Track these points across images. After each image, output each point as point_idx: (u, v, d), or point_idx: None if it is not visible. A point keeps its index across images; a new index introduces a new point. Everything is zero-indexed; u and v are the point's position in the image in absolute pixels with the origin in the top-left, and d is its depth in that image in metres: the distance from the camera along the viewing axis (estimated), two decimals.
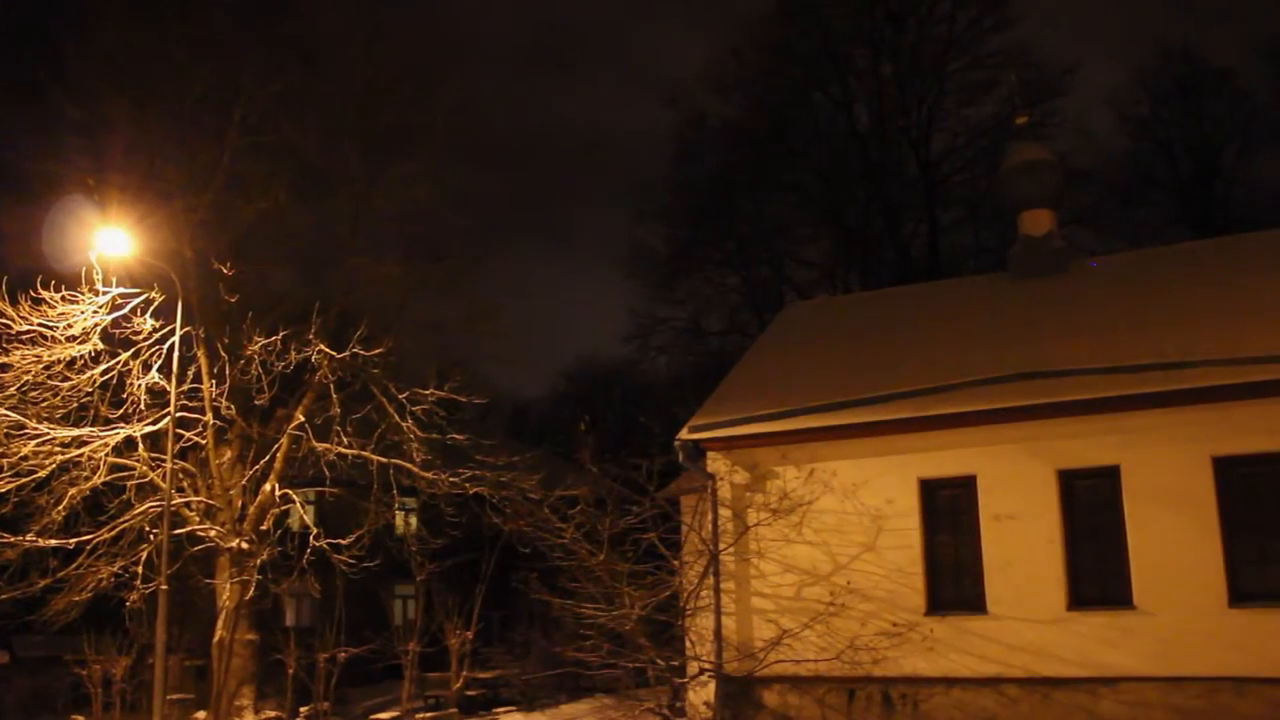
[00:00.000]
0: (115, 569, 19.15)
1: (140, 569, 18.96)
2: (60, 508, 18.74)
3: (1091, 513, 15.43)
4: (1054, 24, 75.16)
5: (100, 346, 18.99)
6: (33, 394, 18.55)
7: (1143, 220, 41.30)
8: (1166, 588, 14.53)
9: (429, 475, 20.52)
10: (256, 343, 19.57)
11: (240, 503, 20.77)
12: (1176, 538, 14.58)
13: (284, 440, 20.66)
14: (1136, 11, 67.57)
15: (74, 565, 19.00)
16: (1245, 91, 41.35)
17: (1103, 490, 15.33)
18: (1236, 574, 14.30)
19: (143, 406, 19.14)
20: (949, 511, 16.43)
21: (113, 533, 19.23)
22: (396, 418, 20.33)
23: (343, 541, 19.98)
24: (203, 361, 20.22)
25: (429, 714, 22.55)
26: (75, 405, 18.91)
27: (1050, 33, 63.31)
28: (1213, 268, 18.35)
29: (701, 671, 16.82)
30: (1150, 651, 14.44)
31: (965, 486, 16.20)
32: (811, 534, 16.81)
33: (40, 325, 18.38)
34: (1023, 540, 15.53)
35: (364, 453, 20.26)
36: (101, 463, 18.93)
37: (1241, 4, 63.23)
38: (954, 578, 16.21)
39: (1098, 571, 15.21)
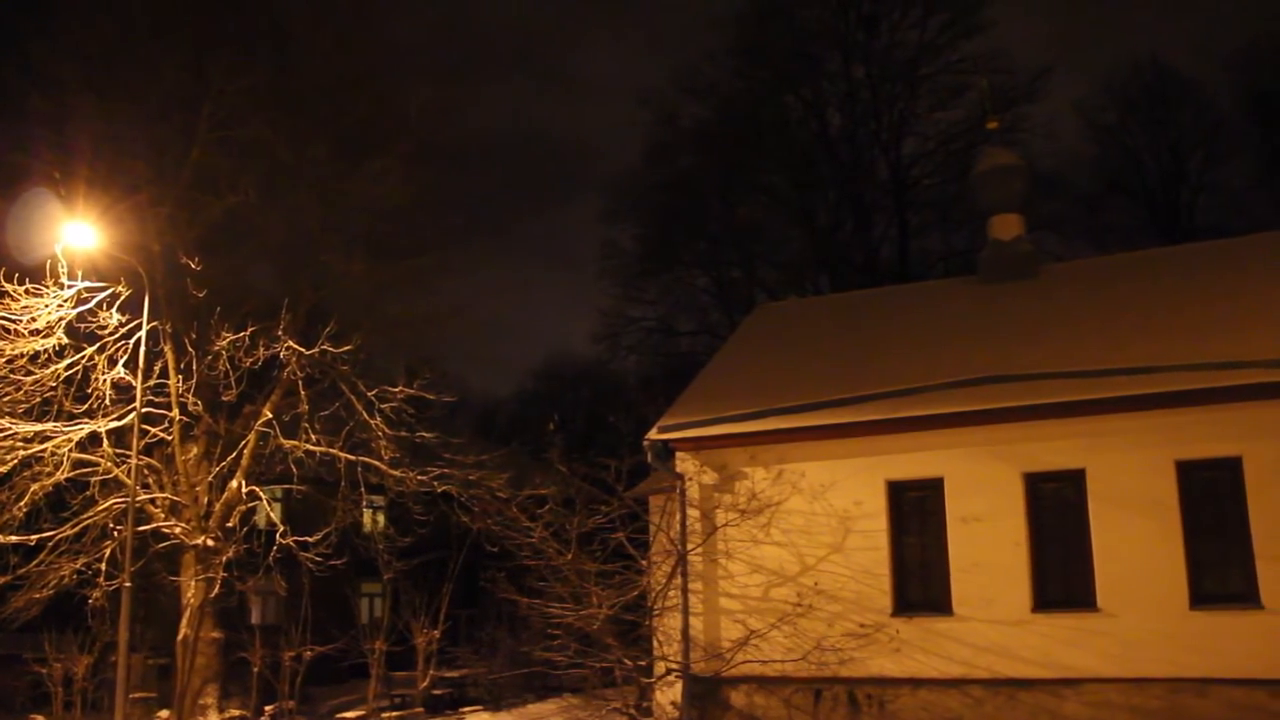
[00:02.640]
0: (78, 566, 18.97)
1: (103, 566, 18.79)
2: (22, 504, 18.54)
3: (1057, 515, 15.57)
4: (1025, 30, 75.87)
5: (65, 341, 18.77)
6: None
7: (1110, 226, 41.81)
8: (1130, 590, 14.68)
9: (397, 473, 20.43)
10: (224, 338, 19.43)
11: (206, 500, 20.60)
12: (1140, 541, 14.73)
13: (251, 437, 20.51)
14: (1105, 20, 68.25)
15: (35, 562, 18.81)
16: (1211, 101, 41.99)
17: (1068, 493, 15.48)
18: (1198, 577, 14.48)
19: (108, 402, 18.94)
20: (916, 513, 16.52)
21: (75, 529, 19.04)
22: (365, 415, 20.22)
23: (310, 539, 19.86)
24: (169, 357, 20.04)
25: (395, 713, 22.45)
26: (39, 400, 18.69)
27: (1021, 39, 63.93)
28: (1178, 274, 18.55)
29: (669, 671, 16.84)
30: (1113, 653, 14.58)
31: (933, 488, 16.29)
32: (779, 535, 16.86)
33: (3, 319, 18.17)
34: (989, 542, 15.64)
35: (332, 450, 20.15)
36: (65, 458, 18.74)
37: (1207, 16, 64.05)
38: (921, 579, 16.30)
39: (1062, 574, 15.35)
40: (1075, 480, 15.38)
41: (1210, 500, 14.66)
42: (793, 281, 44.55)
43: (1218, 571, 14.49)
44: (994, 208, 21.06)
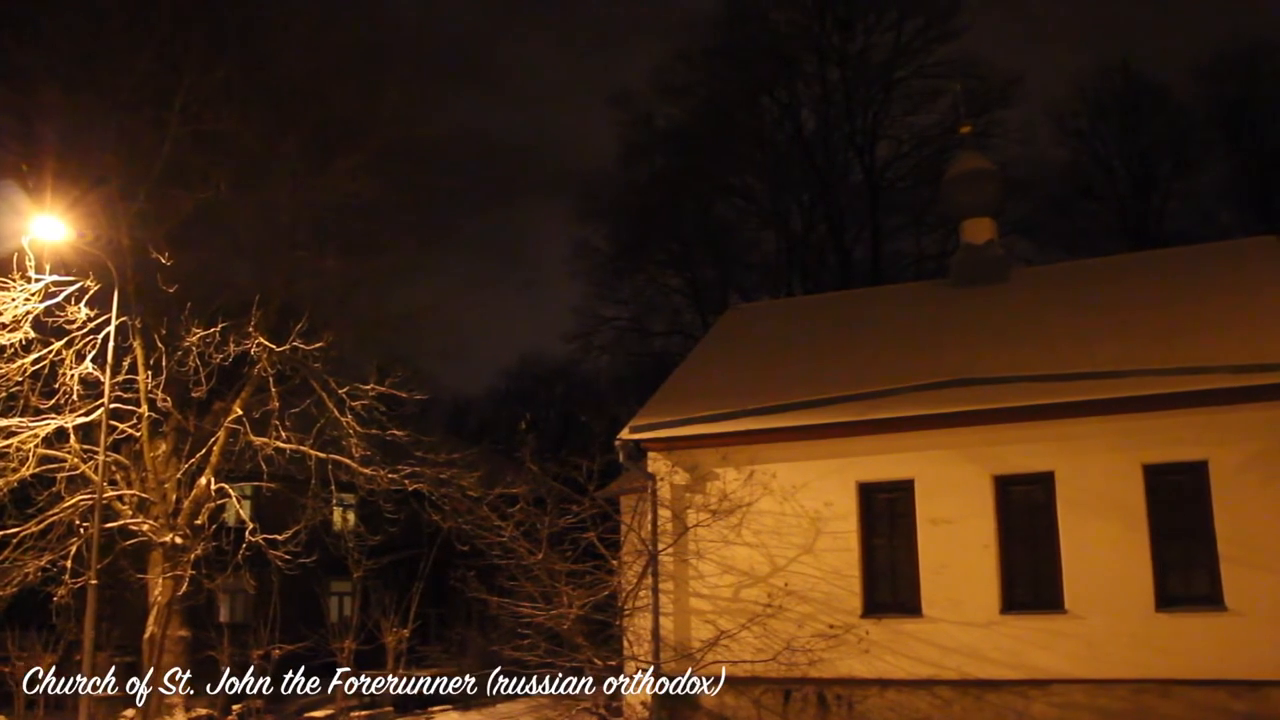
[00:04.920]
0: (43, 563, 18.74)
1: (69, 563, 18.57)
2: None
3: (1026, 518, 15.70)
4: (998, 35, 76.39)
5: (32, 335, 18.54)
6: None
7: (1081, 231, 42.16)
8: (1096, 592, 14.82)
9: (368, 471, 20.32)
10: (195, 334, 19.25)
11: (175, 496, 20.42)
12: (1107, 543, 14.87)
13: (221, 433, 20.35)
14: (1079, 26, 68.85)
15: None
16: (1181, 108, 42.36)
17: (1037, 496, 15.61)
18: (1164, 579, 14.65)
19: (75, 397, 18.71)
20: (887, 515, 16.62)
21: (41, 526, 18.81)
22: (336, 413, 20.09)
23: (279, 537, 19.71)
24: (138, 352, 19.83)
25: (364, 712, 22.34)
26: (4, 394, 18.47)
27: (994, 44, 64.35)
28: (1147, 280, 18.75)
29: (639, 671, 16.84)
30: (1080, 654, 14.72)
31: (903, 490, 16.39)
32: (750, 535, 16.91)
33: None
34: (958, 544, 15.75)
35: (302, 447, 20.01)
36: (31, 454, 18.51)
37: (1178, 24, 64.74)
38: (890, 581, 16.40)
39: (1031, 576, 15.49)
40: (1044, 483, 15.52)
41: (1176, 503, 14.83)
42: (766, 283, 44.75)
43: (1183, 574, 14.67)
44: (966, 211, 21.23)
